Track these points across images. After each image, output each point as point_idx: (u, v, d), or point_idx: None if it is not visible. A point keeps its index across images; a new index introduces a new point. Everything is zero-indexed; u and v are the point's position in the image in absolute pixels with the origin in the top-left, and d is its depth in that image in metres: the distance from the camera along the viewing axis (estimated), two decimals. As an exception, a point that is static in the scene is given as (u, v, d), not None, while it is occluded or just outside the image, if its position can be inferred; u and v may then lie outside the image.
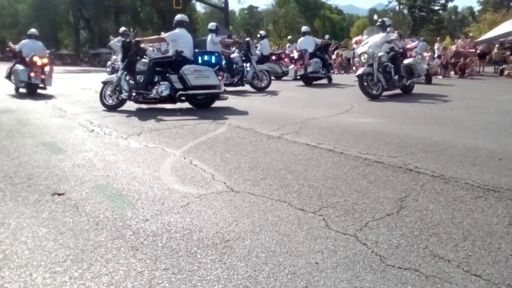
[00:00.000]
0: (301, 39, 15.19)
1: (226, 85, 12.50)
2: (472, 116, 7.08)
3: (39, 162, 4.44)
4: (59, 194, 3.41)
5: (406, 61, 10.56)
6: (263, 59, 17.58)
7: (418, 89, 11.74)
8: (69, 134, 5.90)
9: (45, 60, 11.78)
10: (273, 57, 17.90)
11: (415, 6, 50.54)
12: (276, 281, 2.11)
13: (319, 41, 15.50)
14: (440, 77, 16.93)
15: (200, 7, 66.80)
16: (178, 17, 9.16)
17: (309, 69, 14.17)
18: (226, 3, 43.58)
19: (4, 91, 12.26)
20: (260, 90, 12.59)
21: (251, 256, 2.36)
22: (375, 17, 49.86)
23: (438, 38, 24.61)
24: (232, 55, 13.03)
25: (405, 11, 54.44)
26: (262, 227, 2.73)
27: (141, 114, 7.73)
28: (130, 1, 50.66)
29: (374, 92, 9.66)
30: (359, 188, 3.46)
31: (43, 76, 11.63)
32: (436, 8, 54.93)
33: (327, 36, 17.89)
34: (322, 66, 14.58)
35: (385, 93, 9.98)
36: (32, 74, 11.40)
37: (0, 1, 61.04)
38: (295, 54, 14.49)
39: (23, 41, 12.51)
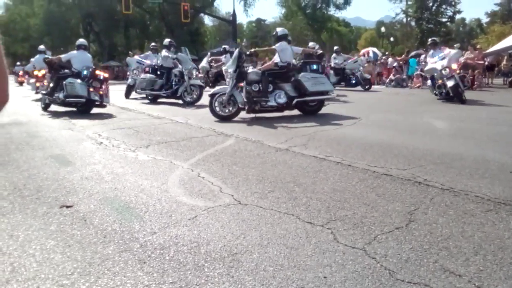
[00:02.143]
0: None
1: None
2: (481, 127, 7.03)
3: (48, 174, 4.46)
4: (68, 207, 3.42)
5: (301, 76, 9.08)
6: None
7: (421, 100, 11.71)
8: (78, 147, 5.94)
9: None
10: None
11: (423, 18, 50.62)
12: (284, 296, 2.09)
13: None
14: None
15: (208, 20, 67.44)
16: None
17: None
18: (234, 16, 44.03)
19: (14, 104, 12.41)
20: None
21: (258, 269, 2.34)
22: (383, 29, 50.10)
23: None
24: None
25: (413, 23, 54.52)
26: (270, 240, 2.72)
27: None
28: (139, 14, 51.17)
29: (222, 113, 8.75)
30: (367, 201, 3.43)
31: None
32: (444, 20, 54.94)
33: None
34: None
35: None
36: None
37: (12, 16, 62.09)
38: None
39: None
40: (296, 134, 6.52)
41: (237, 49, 9.51)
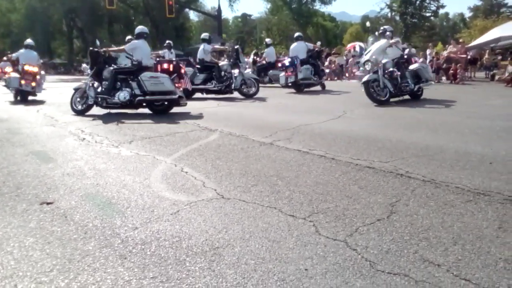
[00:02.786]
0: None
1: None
2: (463, 120, 7.11)
3: (28, 171, 4.40)
4: (48, 203, 3.37)
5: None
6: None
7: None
8: (60, 143, 5.86)
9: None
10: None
11: (407, 13, 50.99)
12: (265, 288, 2.09)
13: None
14: (432, 82, 16.99)
15: (193, 16, 67.12)
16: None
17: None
18: (219, 11, 43.84)
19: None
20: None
21: (240, 263, 2.34)
22: (368, 24, 50.30)
23: (430, 44, 24.79)
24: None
25: (397, 18, 54.88)
26: (252, 234, 2.71)
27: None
28: (123, 10, 50.70)
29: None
30: (350, 193, 3.45)
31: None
32: (428, 14, 55.42)
33: (319, 43, 17.84)
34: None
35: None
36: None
37: (-8, 12, 61.03)
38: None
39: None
40: (280, 128, 6.52)
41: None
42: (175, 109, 9.11)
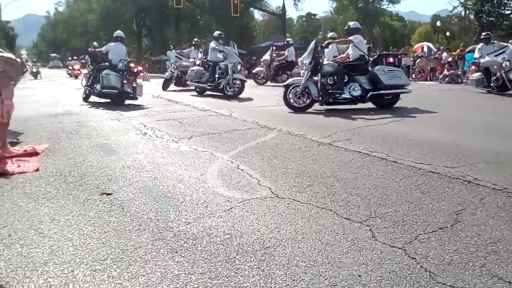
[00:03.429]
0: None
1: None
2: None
3: (92, 162, 4.58)
4: (107, 194, 3.48)
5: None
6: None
7: (476, 96, 11.15)
8: (123, 137, 6.08)
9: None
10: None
11: (483, 11, 48.00)
12: (315, 293, 2.00)
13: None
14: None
15: (258, 15, 67.47)
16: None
17: None
18: (284, 10, 43.86)
19: (68, 96, 12.93)
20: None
21: (291, 264, 2.27)
22: (438, 23, 48.09)
23: (510, 41, 23.18)
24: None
25: (472, 17, 51.93)
26: (305, 235, 2.63)
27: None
28: (189, 9, 51.98)
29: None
30: (411, 198, 3.26)
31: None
32: (507, 12, 51.92)
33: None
34: None
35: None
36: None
37: (72, 12, 65.01)
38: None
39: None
40: (340, 129, 6.35)
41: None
42: (244, 103, 9.18)
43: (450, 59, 20.29)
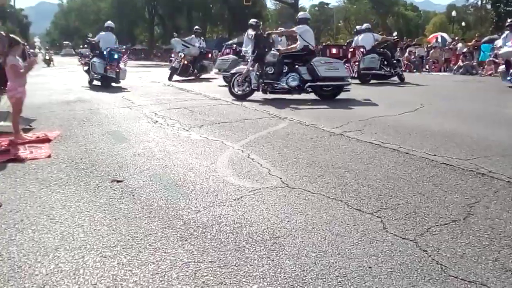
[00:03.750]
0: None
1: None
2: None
3: (103, 149, 4.60)
4: (118, 181, 3.49)
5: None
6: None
7: (491, 87, 10.97)
8: (134, 124, 6.09)
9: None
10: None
11: (501, 1, 46.93)
12: (325, 283, 1.99)
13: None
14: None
15: (270, 4, 67.04)
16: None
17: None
18: (296, -1, 43.34)
19: (80, 83, 12.99)
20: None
21: (300, 255, 2.25)
22: (454, 13, 47.24)
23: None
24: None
25: (489, 7, 50.87)
26: (315, 226, 2.61)
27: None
28: (201, -2, 51.83)
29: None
30: (423, 190, 3.22)
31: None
32: (525, 2, 50.74)
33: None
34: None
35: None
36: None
37: (85, 0, 65.16)
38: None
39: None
40: (352, 119, 6.29)
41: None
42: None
43: (465, 49, 19.96)
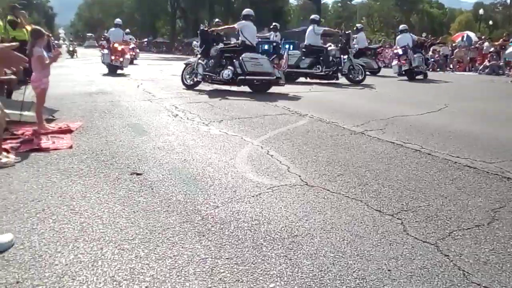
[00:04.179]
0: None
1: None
2: None
3: (123, 142, 4.64)
4: (137, 174, 3.51)
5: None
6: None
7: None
8: (155, 117, 6.12)
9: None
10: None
11: (530, -1, 45.62)
12: (343, 285, 1.96)
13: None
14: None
15: (292, -1, 66.63)
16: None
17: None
18: (319, -5, 42.99)
19: (103, 75, 13.15)
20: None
21: (318, 254, 2.23)
22: (481, 11, 46.14)
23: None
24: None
25: (517, 5, 49.59)
26: (334, 225, 2.58)
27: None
28: (224, -8, 51.86)
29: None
30: (445, 193, 3.16)
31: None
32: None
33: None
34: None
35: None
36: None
37: (108, -8, 65.99)
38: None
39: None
40: (374, 118, 6.21)
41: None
42: (273, 89, 9.61)
43: (491, 49, 19.51)
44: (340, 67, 12.57)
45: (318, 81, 12.66)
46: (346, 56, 12.64)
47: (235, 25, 10.01)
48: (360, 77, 12.63)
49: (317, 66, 12.55)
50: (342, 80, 12.76)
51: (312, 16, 13.68)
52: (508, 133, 5.34)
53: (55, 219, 2.63)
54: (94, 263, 2.12)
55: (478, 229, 2.55)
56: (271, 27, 16.40)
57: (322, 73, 12.48)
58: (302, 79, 12.86)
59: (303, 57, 12.63)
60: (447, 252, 2.26)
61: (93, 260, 2.15)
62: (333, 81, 12.59)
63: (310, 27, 12.92)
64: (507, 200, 3.02)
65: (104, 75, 13.85)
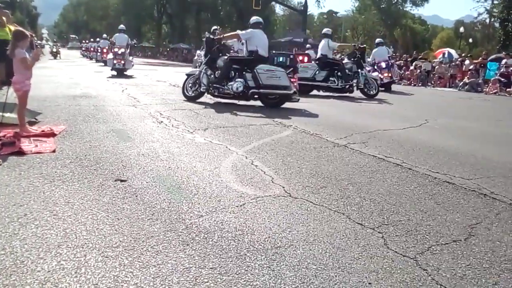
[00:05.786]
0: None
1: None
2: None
3: (107, 147, 4.62)
4: (122, 181, 3.50)
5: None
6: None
7: (497, 106, 10.99)
8: (139, 123, 6.10)
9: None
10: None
11: (509, 20, 46.90)
12: (324, 297, 2.00)
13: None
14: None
15: (279, 9, 67.21)
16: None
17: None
18: (306, 6, 43.57)
19: (86, 78, 13.04)
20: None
21: (301, 266, 2.26)
22: (462, 29, 47.29)
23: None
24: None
25: (497, 25, 50.89)
26: (316, 238, 2.62)
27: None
28: (211, -1, 52.00)
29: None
30: (424, 208, 3.24)
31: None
32: (535, 22, 50.68)
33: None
34: None
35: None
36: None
37: (94, -6, 65.52)
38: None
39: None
40: (357, 131, 6.31)
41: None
42: (287, 104, 9.01)
43: (471, 66, 19.98)
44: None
45: (330, 94, 12.49)
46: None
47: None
48: (374, 91, 12.49)
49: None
50: (356, 93, 12.69)
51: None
52: (485, 150, 5.49)
53: (38, 224, 2.61)
54: (77, 270, 2.12)
55: (456, 244, 2.62)
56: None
57: (339, 87, 12.26)
58: (314, 91, 12.65)
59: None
60: (425, 267, 2.32)
61: (76, 267, 2.15)
62: (346, 94, 12.47)
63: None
64: (483, 216, 3.11)
65: (108, 77, 13.69)
